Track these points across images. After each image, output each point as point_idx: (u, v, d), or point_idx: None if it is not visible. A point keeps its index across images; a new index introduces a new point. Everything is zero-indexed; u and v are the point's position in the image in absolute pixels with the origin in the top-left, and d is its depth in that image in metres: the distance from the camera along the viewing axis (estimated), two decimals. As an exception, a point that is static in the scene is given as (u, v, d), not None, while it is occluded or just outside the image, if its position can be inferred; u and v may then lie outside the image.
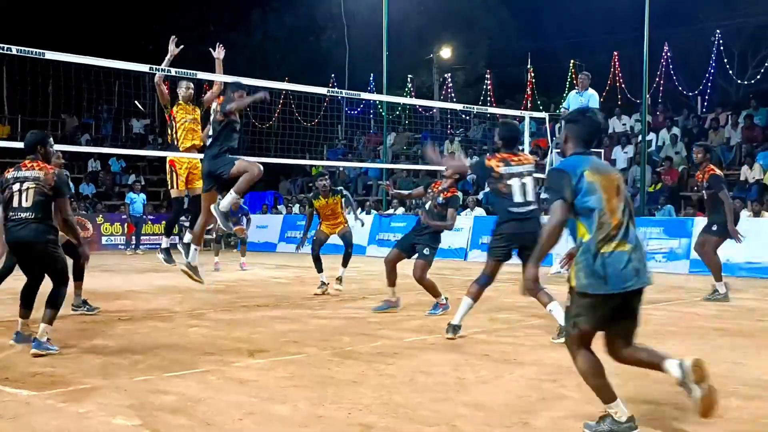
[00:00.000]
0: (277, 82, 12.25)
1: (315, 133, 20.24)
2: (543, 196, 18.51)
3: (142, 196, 21.04)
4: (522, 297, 8.17)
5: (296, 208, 22.24)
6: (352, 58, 29.07)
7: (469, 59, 31.50)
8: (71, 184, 8.58)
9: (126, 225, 20.75)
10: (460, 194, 9.20)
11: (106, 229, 20.63)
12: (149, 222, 21.23)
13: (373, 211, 20.36)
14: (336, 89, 14.18)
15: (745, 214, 14.40)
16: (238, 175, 7.64)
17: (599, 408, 4.28)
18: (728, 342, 6.81)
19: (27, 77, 17.83)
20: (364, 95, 13.99)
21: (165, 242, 8.85)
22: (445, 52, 31.31)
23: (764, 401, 4.71)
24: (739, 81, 22.81)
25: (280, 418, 4.29)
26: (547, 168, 14.84)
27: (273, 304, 9.30)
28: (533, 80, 25.01)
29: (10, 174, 6.24)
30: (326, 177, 10.83)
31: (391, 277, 8.66)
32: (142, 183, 23.49)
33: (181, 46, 8.96)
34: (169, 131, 9.00)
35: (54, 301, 6.15)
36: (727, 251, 13.35)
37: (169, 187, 9.20)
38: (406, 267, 8.76)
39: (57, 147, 7.23)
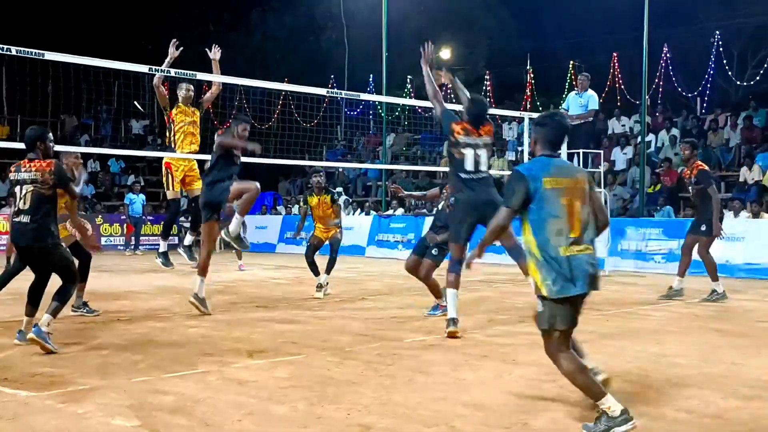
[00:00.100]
0: (276, 83, 12.27)
1: (314, 133, 20.24)
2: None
3: (142, 196, 21.04)
4: (521, 297, 8.19)
5: (295, 209, 22.24)
6: (352, 58, 29.08)
7: (468, 59, 31.49)
8: None
9: (125, 226, 20.75)
10: None
11: (105, 229, 20.63)
12: (148, 222, 21.23)
13: (373, 212, 20.37)
14: (335, 90, 14.18)
15: (744, 215, 14.42)
16: (237, 198, 7.89)
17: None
18: (727, 342, 6.82)
19: (26, 77, 17.84)
20: (364, 96, 13.98)
21: (163, 245, 8.83)
22: (445, 53, 31.31)
23: (763, 401, 4.72)
24: (738, 82, 22.81)
25: (279, 418, 4.29)
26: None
27: (272, 305, 9.30)
28: (533, 81, 25.01)
29: (12, 175, 6.38)
30: (321, 174, 10.71)
31: (430, 285, 8.44)
32: (142, 184, 23.49)
33: (181, 48, 8.96)
34: (168, 134, 9.01)
35: (62, 296, 6.29)
36: (727, 252, 13.38)
37: (165, 189, 9.24)
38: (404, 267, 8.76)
39: (56, 147, 7.23)
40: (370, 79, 26.60)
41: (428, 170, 20.57)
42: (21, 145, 6.66)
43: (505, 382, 5.18)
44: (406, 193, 10.52)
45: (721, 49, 21.82)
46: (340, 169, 24.91)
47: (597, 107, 13.73)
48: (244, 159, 8.67)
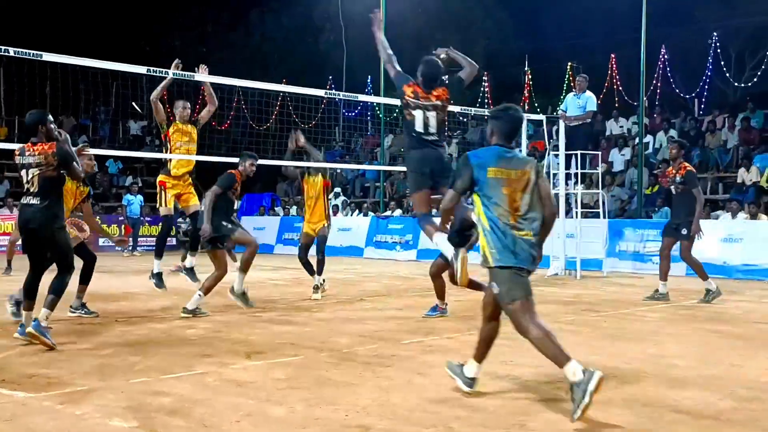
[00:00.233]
0: (274, 84, 12.27)
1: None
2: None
3: (140, 197, 21.02)
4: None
5: (293, 210, 22.24)
6: (350, 59, 29.06)
7: (466, 60, 31.47)
8: None
9: (123, 226, 20.72)
10: None
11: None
12: (146, 223, 21.22)
13: (371, 213, 20.38)
14: (333, 91, 14.17)
15: (742, 216, 14.45)
16: (237, 242, 8.25)
17: (598, 409, 4.29)
18: (726, 344, 6.82)
19: (24, 78, 17.81)
20: (362, 97, 13.98)
21: (156, 266, 8.70)
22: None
23: (761, 403, 4.72)
24: (736, 83, 22.82)
25: (277, 419, 4.29)
26: (543, 170, 14.86)
27: (270, 306, 9.29)
28: (531, 82, 25.02)
29: (17, 159, 6.49)
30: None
31: (436, 284, 8.27)
32: (139, 184, 23.47)
33: (180, 68, 8.84)
34: (164, 151, 8.94)
35: (57, 288, 6.38)
36: (725, 253, 13.41)
37: (158, 205, 9.22)
38: (403, 266, 8.75)
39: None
40: (368, 81, 26.61)
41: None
42: (20, 145, 6.68)
43: (502, 383, 5.18)
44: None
45: (719, 50, 21.84)
46: (338, 170, 24.90)
47: (595, 108, 13.75)
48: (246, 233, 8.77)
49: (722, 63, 21.99)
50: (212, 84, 9.46)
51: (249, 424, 4.20)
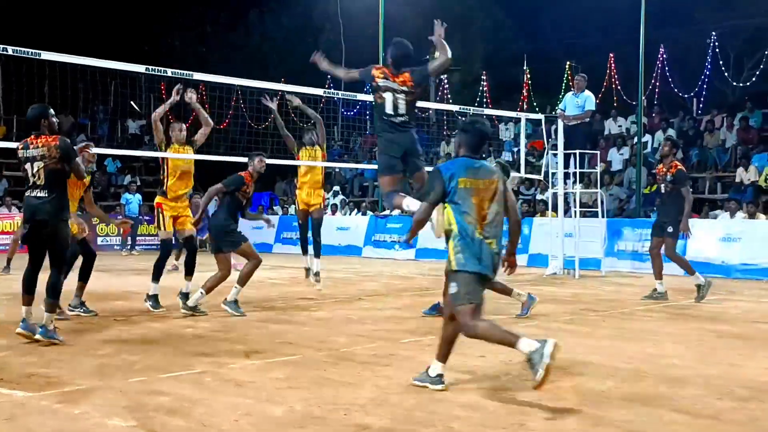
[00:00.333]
0: (272, 83, 12.25)
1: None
2: (539, 196, 18.42)
3: (138, 196, 20.99)
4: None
5: (292, 209, 22.23)
6: (349, 59, 29.04)
7: (465, 60, 31.46)
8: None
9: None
10: None
11: (101, 229, 20.57)
12: (145, 223, 21.20)
13: (369, 212, 20.37)
14: (332, 90, 14.16)
15: (740, 215, 14.46)
16: (240, 254, 8.39)
17: (597, 409, 4.29)
18: (724, 343, 6.83)
19: (23, 77, 17.78)
20: (361, 96, 13.94)
21: (153, 288, 8.69)
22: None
23: (760, 402, 4.72)
24: (734, 83, 22.84)
25: (276, 419, 4.29)
26: (543, 171, 14.88)
27: (269, 305, 9.29)
28: (530, 81, 25.02)
29: (20, 152, 6.51)
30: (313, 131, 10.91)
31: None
32: (138, 184, 23.44)
33: (179, 97, 8.81)
34: (161, 174, 8.90)
35: (53, 290, 6.40)
36: (723, 253, 13.42)
37: (157, 228, 9.24)
38: (402, 266, 8.75)
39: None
40: (367, 80, 26.57)
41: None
42: (17, 146, 6.67)
43: (502, 383, 5.18)
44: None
45: (717, 50, 21.86)
46: (337, 170, 24.89)
47: (594, 108, 13.74)
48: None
49: (721, 63, 22.01)
50: (211, 83, 9.42)
51: (248, 423, 4.20)
